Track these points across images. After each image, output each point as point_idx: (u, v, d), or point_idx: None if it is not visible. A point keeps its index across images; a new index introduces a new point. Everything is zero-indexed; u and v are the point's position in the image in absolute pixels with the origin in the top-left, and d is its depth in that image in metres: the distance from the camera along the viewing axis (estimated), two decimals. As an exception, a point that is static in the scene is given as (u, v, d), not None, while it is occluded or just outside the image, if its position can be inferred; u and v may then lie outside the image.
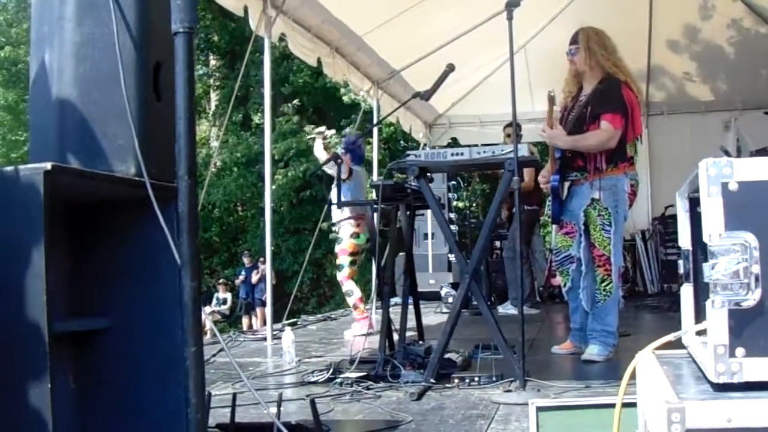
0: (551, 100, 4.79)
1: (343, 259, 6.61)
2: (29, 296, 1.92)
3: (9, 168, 1.95)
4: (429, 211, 9.63)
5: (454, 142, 11.38)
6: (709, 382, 1.25)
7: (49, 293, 1.93)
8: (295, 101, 19.02)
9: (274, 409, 2.62)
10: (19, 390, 1.92)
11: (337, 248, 6.70)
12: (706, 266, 1.24)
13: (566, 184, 4.74)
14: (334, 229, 7.04)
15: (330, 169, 5.88)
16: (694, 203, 1.62)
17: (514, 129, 3.83)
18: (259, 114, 19.70)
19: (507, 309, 7.70)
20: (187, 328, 1.85)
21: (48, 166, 1.92)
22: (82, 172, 2.15)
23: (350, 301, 6.70)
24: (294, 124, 18.83)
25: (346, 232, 6.59)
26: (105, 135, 2.27)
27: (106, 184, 2.22)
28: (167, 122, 2.48)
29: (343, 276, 6.63)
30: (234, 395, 2.75)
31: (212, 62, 23.11)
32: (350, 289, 6.62)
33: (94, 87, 2.27)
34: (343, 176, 6.27)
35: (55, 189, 1.95)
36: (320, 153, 6.79)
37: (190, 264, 1.86)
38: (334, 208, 6.53)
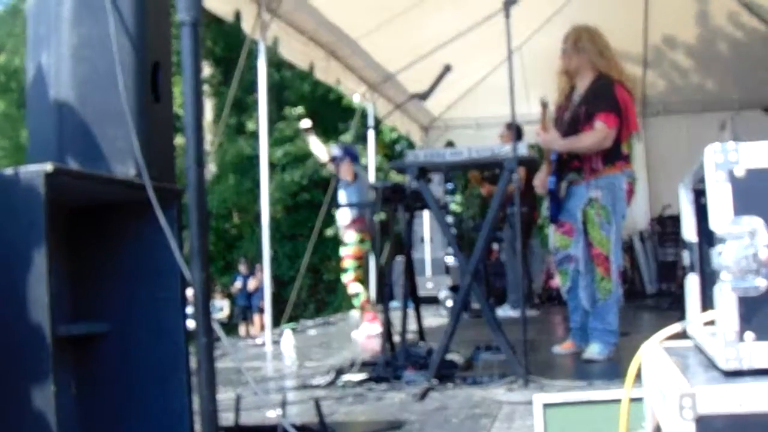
0: (544, 106, 4.79)
1: (349, 263, 6.70)
2: (31, 299, 1.91)
3: (9, 170, 1.95)
4: (426, 214, 9.70)
5: (450, 145, 11.36)
6: (719, 369, 1.25)
7: (52, 296, 1.92)
8: (299, 108, 19.04)
9: (279, 411, 2.62)
10: (22, 394, 1.92)
11: (343, 252, 6.80)
12: (713, 252, 1.24)
13: (563, 185, 4.75)
14: (339, 233, 7.12)
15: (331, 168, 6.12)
16: (699, 194, 1.62)
17: (513, 127, 3.84)
18: (252, 120, 19.68)
19: (505, 311, 7.67)
20: (198, 319, 1.84)
21: (49, 167, 1.92)
22: (83, 173, 2.14)
23: (356, 302, 6.80)
24: (294, 130, 18.83)
25: (351, 238, 6.68)
26: (104, 137, 2.27)
27: (106, 185, 2.21)
28: (166, 123, 2.50)
29: (349, 278, 6.72)
30: (238, 397, 2.75)
31: (207, 70, 23.07)
32: (357, 291, 6.73)
33: (92, 89, 2.27)
34: (348, 178, 6.40)
35: (55, 191, 1.95)
36: (316, 147, 7.00)
37: (199, 255, 1.86)
38: (339, 213, 6.65)
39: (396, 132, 14.48)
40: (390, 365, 4.14)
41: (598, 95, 4.60)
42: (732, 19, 9.14)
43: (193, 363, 2.24)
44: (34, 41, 2.34)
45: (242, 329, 16.37)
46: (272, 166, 17.83)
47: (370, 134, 9.94)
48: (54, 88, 2.26)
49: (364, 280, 6.89)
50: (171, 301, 2.39)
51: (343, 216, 6.70)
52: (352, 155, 6.74)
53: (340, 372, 4.16)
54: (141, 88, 2.31)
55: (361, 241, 6.65)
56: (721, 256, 1.22)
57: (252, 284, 16.35)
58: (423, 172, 4.12)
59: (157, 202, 2.17)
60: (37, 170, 1.92)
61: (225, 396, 3.59)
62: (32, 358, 1.93)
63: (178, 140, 3.20)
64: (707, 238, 1.54)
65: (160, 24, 2.47)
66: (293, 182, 17.96)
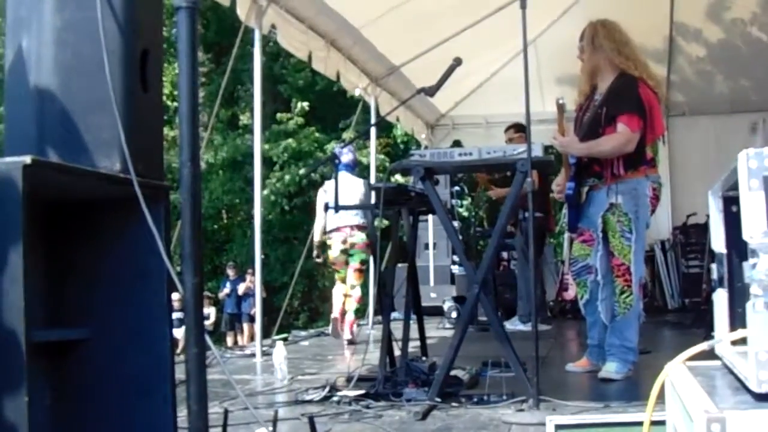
0: (561, 108, 4.77)
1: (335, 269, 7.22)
2: (6, 302, 1.91)
3: (-16, 161, 1.94)
4: (430, 219, 9.70)
5: (458, 145, 11.35)
6: (749, 392, 1.24)
7: (27, 299, 1.92)
8: (306, 103, 19.07)
9: (269, 428, 2.62)
10: (-6, 403, 1.91)
11: None
12: (746, 266, 1.23)
13: (584, 190, 4.73)
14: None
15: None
16: (729, 202, 1.62)
17: (528, 127, 3.83)
18: (247, 113, 19.68)
19: (515, 325, 7.66)
20: (189, 328, 1.84)
21: (27, 159, 1.92)
22: (64, 167, 2.14)
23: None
24: (296, 125, 18.85)
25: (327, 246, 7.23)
26: (88, 128, 2.26)
27: (89, 180, 2.21)
28: (155, 114, 2.49)
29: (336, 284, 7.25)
30: (225, 411, 2.75)
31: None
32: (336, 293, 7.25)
33: (75, 76, 2.27)
34: None
35: (34, 185, 1.95)
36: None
37: (191, 259, 1.86)
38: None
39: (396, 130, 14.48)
40: (390, 381, 4.14)
41: (621, 95, 4.56)
42: (762, 13, 9.11)
43: (178, 374, 2.24)
44: (14, 24, 2.34)
45: (230, 339, 16.34)
46: (272, 163, 17.85)
47: (372, 132, 9.94)
48: (34, 75, 2.25)
49: (346, 281, 7.21)
50: (156, 306, 2.38)
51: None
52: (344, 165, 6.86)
53: (335, 387, 4.16)
54: (128, 76, 2.30)
55: (328, 247, 7.19)
56: (754, 269, 1.22)
57: (241, 290, 16.32)
58: (429, 173, 4.11)
59: (144, 199, 2.16)
60: (14, 162, 1.92)
61: (211, 410, 3.59)
62: (4, 366, 1.92)
63: (166, 132, 3.20)
64: (738, 249, 1.54)
65: (151, 9, 2.46)
66: (292, 181, 17.96)
